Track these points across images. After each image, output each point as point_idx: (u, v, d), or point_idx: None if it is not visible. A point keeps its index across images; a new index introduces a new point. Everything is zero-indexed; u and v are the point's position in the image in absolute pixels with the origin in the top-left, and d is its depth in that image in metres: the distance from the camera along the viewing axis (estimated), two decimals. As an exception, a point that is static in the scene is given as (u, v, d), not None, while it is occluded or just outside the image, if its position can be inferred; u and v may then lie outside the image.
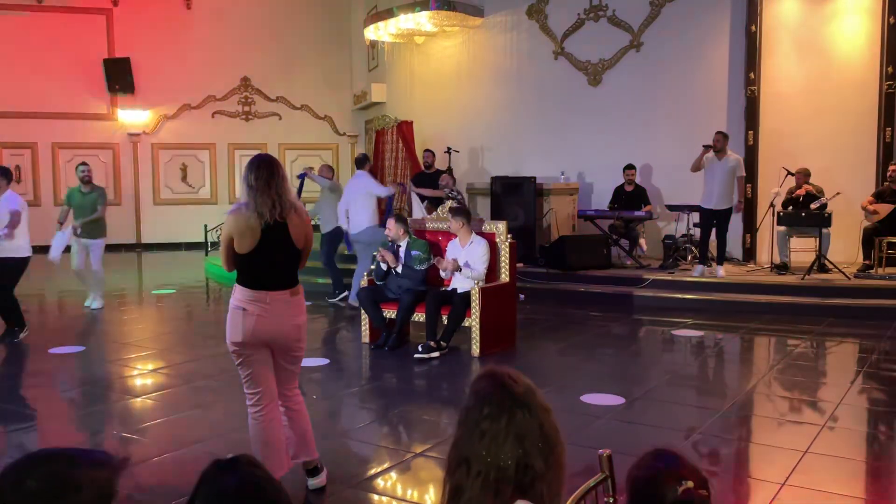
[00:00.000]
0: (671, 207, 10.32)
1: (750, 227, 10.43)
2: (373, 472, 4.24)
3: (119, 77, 16.50)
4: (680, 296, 9.18)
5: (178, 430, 4.96)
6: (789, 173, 9.74)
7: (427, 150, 11.94)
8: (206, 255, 14.69)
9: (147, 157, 17.18)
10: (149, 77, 16.69)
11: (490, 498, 1.33)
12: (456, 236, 7.11)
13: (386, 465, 4.36)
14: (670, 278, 9.54)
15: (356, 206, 9.01)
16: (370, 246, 8.56)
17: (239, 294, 3.64)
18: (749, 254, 10.49)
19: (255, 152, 16.32)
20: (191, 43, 16.84)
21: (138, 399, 5.82)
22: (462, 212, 7.08)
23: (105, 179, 16.97)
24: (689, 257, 10.16)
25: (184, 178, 17.50)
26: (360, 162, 9.42)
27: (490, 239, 7.10)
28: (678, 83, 10.96)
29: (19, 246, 7.15)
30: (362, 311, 7.35)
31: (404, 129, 13.95)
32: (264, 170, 3.57)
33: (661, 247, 10.49)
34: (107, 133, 16.92)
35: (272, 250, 3.58)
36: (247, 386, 3.74)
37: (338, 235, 9.56)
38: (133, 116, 16.95)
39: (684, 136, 10.32)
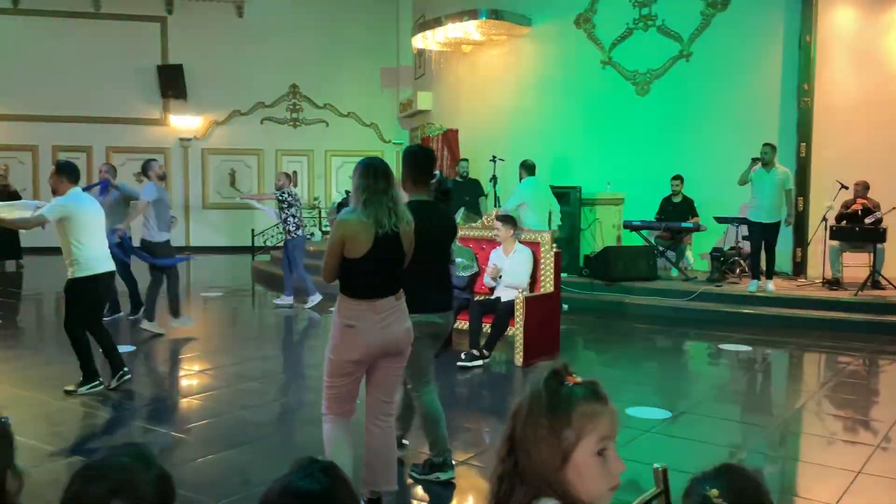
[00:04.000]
0: (719, 220, 10.16)
1: (801, 241, 10.21)
2: (412, 480, 4.24)
3: (172, 83, 16.88)
4: (727, 309, 9.01)
5: (223, 432, 5.02)
6: (843, 186, 9.51)
7: (463, 160, 12.03)
8: (253, 258, 14.90)
9: (197, 161, 17.53)
10: (200, 83, 17.04)
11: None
12: (499, 244, 7.09)
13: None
14: (717, 291, 9.38)
15: None
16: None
17: (345, 308, 3.49)
18: (799, 268, 10.26)
19: (303, 158, 16.68)
20: (242, 50, 17.16)
21: (185, 399, 5.92)
22: (511, 220, 7.06)
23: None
24: (737, 270, 9.98)
25: (232, 183, 17.79)
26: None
27: (534, 248, 7.08)
28: (729, 93, 10.80)
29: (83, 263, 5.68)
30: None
31: (450, 137, 14.00)
32: (381, 177, 3.45)
33: (709, 259, 10.32)
34: (159, 137, 17.30)
35: (384, 256, 3.46)
36: (336, 402, 3.55)
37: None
38: (184, 122, 17.31)
39: (734, 148, 10.14)
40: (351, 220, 3.42)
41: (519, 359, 6.71)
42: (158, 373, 6.77)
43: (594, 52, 12.06)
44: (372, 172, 3.44)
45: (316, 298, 9.71)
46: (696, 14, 11.07)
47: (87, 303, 5.77)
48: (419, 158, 4.13)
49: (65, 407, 5.52)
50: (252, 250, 15.51)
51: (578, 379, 1.41)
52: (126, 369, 5.95)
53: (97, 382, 5.81)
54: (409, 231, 3.56)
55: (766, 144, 9.04)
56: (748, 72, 10.71)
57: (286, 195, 9.91)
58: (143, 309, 8.34)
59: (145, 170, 8.13)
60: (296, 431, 5.12)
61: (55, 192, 5.73)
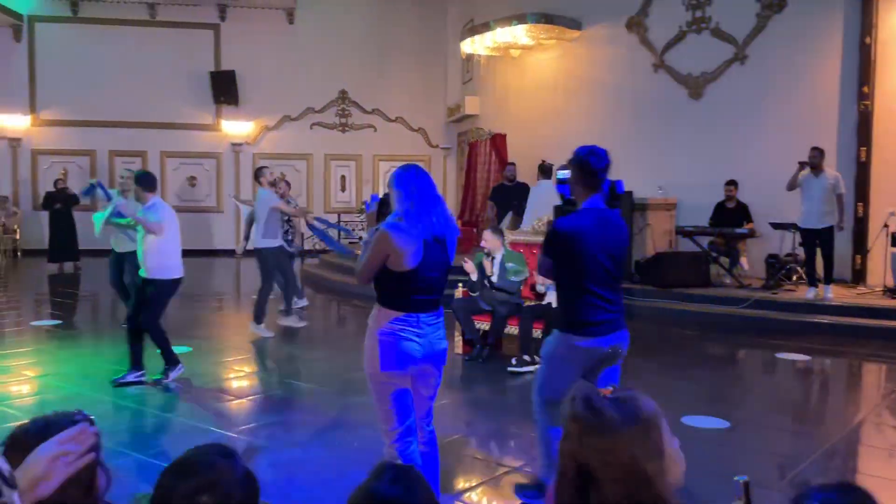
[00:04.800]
0: (775, 225, 9.94)
1: (860, 247, 9.93)
2: (462, 486, 4.21)
3: (224, 89, 17.16)
4: (784, 317, 8.80)
5: (279, 433, 5.06)
6: (905, 192, 9.24)
7: (510, 164, 11.98)
8: (302, 262, 15.03)
9: (248, 166, 17.74)
10: (252, 89, 17.30)
11: None
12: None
13: (478, 480, 4.32)
14: (773, 298, 9.17)
15: None
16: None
17: (386, 319, 3.29)
18: (859, 276, 9.98)
19: (351, 163, 16.69)
20: (292, 56, 17.38)
21: (238, 401, 5.99)
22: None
23: (209, 187, 17.69)
24: (794, 277, 9.75)
25: (282, 187, 17.99)
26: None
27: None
28: (785, 97, 10.56)
29: (170, 266, 6.18)
30: (455, 323, 7.36)
31: (498, 142, 13.97)
32: (425, 180, 3.30)
33: (764, 266, 10.10)
34: (212, 143, 17.62)
35: (431, 269, 3.29)
36: (388, 422, 3.33)
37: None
38: (236, 127, 17.59)
39: (790, 152, 9.89)
40: (399, 233, 3.22)
41: (570, 365, 6.64)
42: (212, 374, 6.86)
43: (646, 55, 11.92)
44: (413, 175, 3.30)
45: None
46: (751, 16, 10.86)
47: (165, 302, 6.22)
48: (593, 159, 3.62)
49: (120, 406, 5.63)
50: (301, 254, 15.66)
51: (608, 388, 1.42)
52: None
53: (180, 365, 6.19)
54: (454, 239, 3.42)
55: (814, 148, 8.82)
56: (806, 74, 10.47)
57: (292, 204, 9.62)
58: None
59: (257, 176, 8.35)
60: (352, 433, 5.13)
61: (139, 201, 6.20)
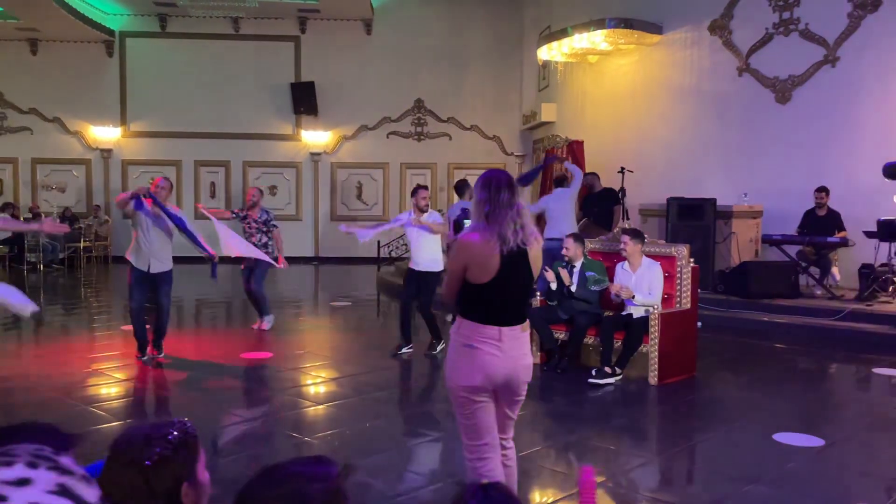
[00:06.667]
0: (869, 234, 9.46)
1: (963, 257, 9.36)
2: (540, 500, 4.10)
3: (304, 100, 17.50)
4: (881, 330, 8.35)
5: (351, 441, 5.07)
6: None
7: (590, 174, 11.75)
8: (378, 269, 15.18)
9: (326, 175, 18.08)
10: (331, 99, 17.59)
11: None
12: (624, 259, 6.85)
13: (557, 496, 4.21)
14: (868, 310, 8.72)
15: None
16: None
17: (466, 330, 3.21)
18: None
19: (426, 171, 16.68)
20: (370, 67, 17.61)
21: (313, 408, 6.03)
22: (639, 234, 6.83)
23: (288, 196, 18.07)
24: (890, 289, 9.26)
25: (359, 196, 18.25)
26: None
27: (670, 263, 6.80)
28: (880, 100, 10.07)
29: (437, 260, 7.51)
30: (533, 332, 7.23)
31: (575, 149, 13.77)
32: (505, 188, 3.16)
33: (857, 276, 9.63)
34: (292, 152, 17.99)
35: (511, 281, 3.17)
36: (469, 437, 3.26)
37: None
38: (315, 137, 17.91)
39: (885, 158, 9.43)
40: (474, 242, 3.15)
41: (653, 378, 6.45)
42: (290, 380, 6.94)
43: (730, 58, 11.57)
44: (494, 184, 3.16)
45: (271, 319, 9.05)
46: (842, 16, 10.41)
47: (435, 290, 7.42)
48: None
49: (193, 410, 5.74)
50: (378, 261, 15.81)
51: None
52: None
53: (412, 344, 7.61)
54: (538, 251, 3.28)
55: None
56: (902, 76, 9.96)
57: (271, 215, 8.99)
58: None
59: (461, 191, 9.03)
60: (423, 445, 5.10)
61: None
